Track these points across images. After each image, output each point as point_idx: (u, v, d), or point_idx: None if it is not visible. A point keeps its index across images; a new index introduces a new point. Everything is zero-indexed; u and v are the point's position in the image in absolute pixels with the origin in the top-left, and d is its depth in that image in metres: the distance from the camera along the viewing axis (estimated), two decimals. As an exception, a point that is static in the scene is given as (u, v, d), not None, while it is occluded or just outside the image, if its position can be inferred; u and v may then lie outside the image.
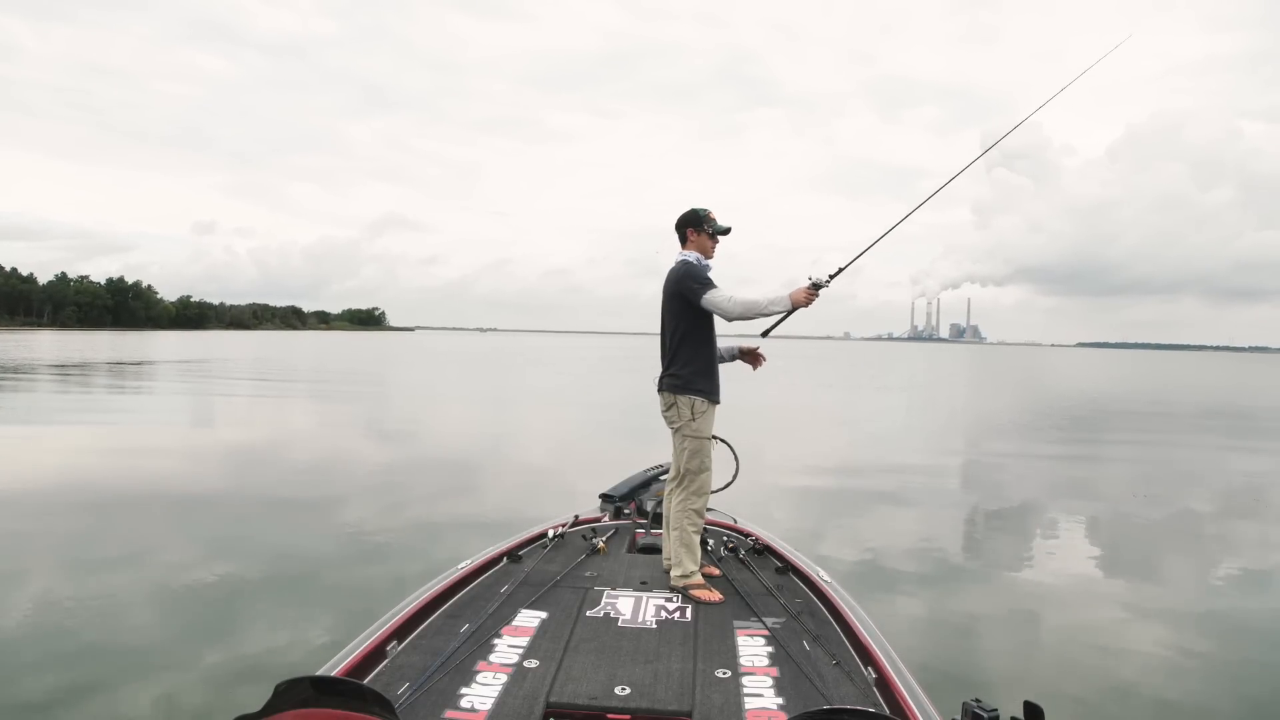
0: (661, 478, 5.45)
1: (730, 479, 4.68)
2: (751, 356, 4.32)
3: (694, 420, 3.89)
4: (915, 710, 2.49)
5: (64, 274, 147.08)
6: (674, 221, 4.09)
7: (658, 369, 4.05)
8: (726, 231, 4.05)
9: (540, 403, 23.63)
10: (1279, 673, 4.75)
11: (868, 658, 2.93)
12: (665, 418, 4.01)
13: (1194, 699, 4.35)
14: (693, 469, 3.92)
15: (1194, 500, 10.45)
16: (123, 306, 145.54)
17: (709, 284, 3.84)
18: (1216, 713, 4.24)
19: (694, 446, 3.91)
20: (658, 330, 4.09)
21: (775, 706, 2.59)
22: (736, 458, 4.70)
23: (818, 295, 3.63)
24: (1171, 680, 4.56)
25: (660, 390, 4.01)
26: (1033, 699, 2.10)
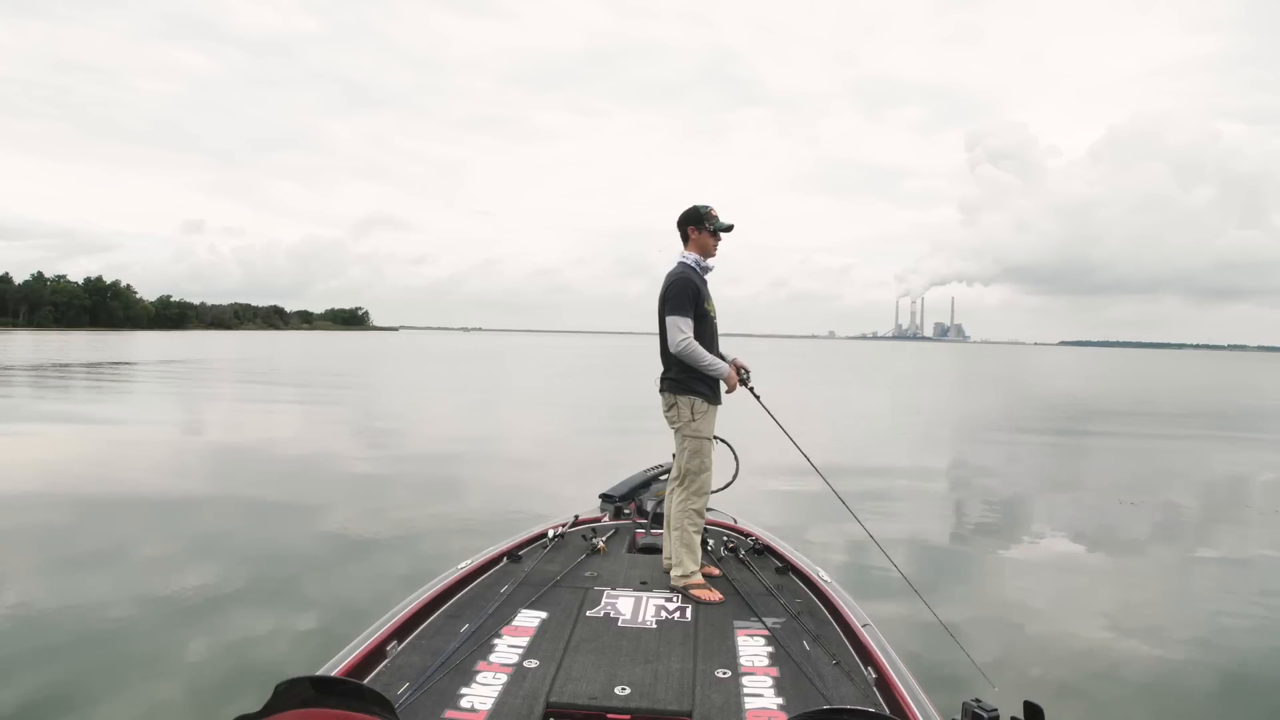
0: (661, 478, 5.45)
1: (730, 479, 4.69)
2: (734, 374, 4.00)
3: (694, 420, 3.90)
4: (915, 710, 2.49)
5: (40, 273, 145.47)
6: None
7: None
8: (729, 229, 4.04)
9: (535, 402, 23.63)
10: (1274, 667, 4.75)
11: (868, 658, 2.93)
12: (666, 418, 4.02)
13: (1193, 696, 4.35)
14: (693, 469, 3.92)
15: (1184, 498, 10.47)
16: (101, 306, 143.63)
17: (681, 311, 3.85)
18: (1215, 709, 4.24)
19: (694, 446, 3.92)
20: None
21: (775, 706, 2.59)
22: (736, 458, 4.71)
23: (736, 387, 4.01)
24: (1170, 678, 4.56)
25: (661, 391, 4.02)
26: (1033, 699, 2.10)
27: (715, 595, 3.62)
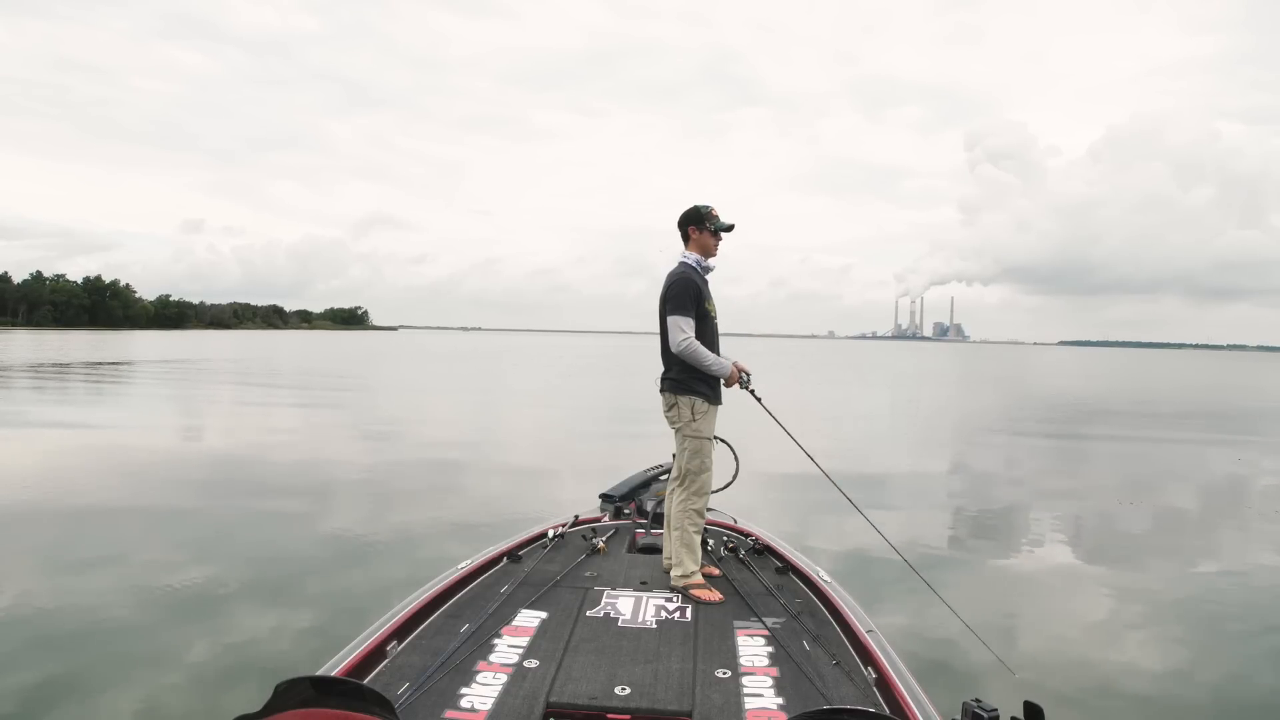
0: (661, 478, 5.45)
1: (730, 479, 4.69)
2: (734, 375, 4.00)
3: (694, 420, 3.90)
4: (915, 710, 2.49)
5: (39, 273, 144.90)
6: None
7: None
8: (729, 228, 4.04)
9: (535, 403, 23.60)
10: (1272, 667, 4.76)
11: (868, 658, 2.93)
12: (667, 418, 4.02)
13: (1192, 697, 4.35)
14: (693, 469, 3.92)
15: (1184, 500, 10.48)
16: (100, 306, 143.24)
17: (683, 310, 3.85)
18: (1214, 709, 4.24)
19: (694, 446, 3.92)
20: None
21: (775, 706, 2.59)
22: (737, 458, 4.71)
23: (735, 384, 3.98)
24: (1170, 678, 4.56)
25: (662, 391, 4.02)
26: (1033, 699, 2.10)
27: (715, 595, 3.62)
